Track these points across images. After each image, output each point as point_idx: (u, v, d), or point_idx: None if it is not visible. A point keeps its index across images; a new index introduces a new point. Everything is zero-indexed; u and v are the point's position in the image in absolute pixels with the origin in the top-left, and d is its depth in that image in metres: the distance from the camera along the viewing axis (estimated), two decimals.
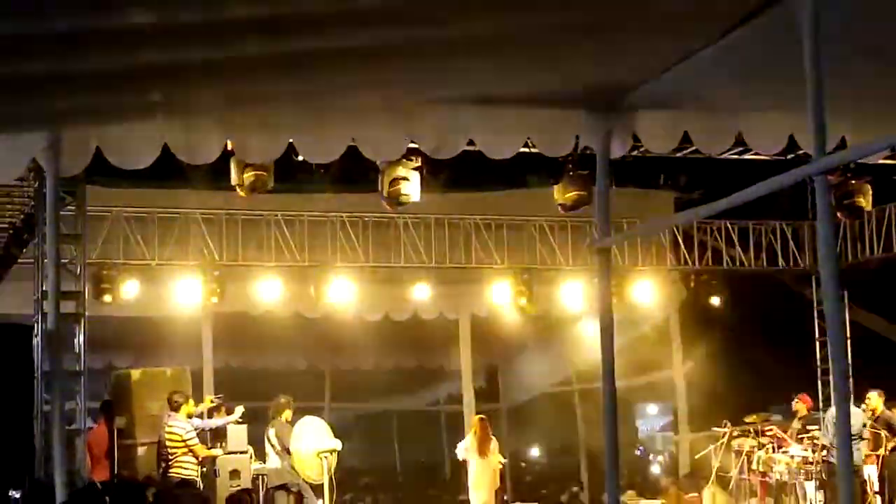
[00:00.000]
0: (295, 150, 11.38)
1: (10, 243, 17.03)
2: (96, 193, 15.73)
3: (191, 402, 16.59)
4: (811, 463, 17.22)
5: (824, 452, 16.77)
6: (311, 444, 16.91)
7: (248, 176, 13.98)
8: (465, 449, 18.35)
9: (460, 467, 21.69)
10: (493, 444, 18.36)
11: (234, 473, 16.48)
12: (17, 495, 10.39)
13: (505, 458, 19.10)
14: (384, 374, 27.50)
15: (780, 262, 21.15)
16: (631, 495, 19.93)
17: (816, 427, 17.51)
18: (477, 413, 20.13)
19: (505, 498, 20.90)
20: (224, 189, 15.38)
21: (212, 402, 17.14)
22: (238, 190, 14.41)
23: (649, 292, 20.92)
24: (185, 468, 15.98)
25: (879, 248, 20.23)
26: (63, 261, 12.84)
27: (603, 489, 13.97)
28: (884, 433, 16.77)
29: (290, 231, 19.15)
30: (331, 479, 16.84)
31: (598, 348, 9.98)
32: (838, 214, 17.25)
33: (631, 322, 21.96)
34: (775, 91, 9.48)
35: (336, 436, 17.32)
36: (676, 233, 20.64)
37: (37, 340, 13.78)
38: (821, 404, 19.80)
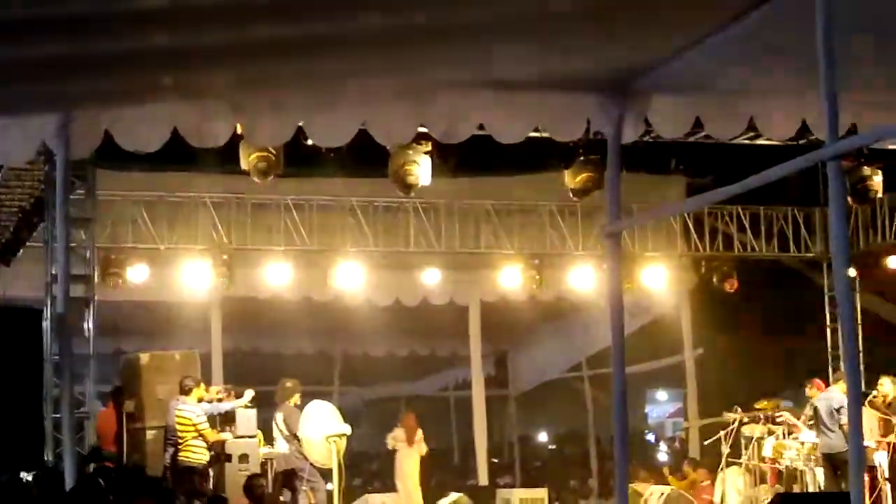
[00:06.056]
0: (304, 134, 11.35)
1: (19, 226, 17.05)
2: (106, 177, 15.73)
3: (202, 385, 16.59)
4: None
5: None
6: (320, 429, 16.91)
7: (253, 159, 13.99)
8: (394, 438, 19.45)
9: (469, 453, 21.82)
10: (419, 435, 19.37)
11: (243, 458, 16.48)
12: (29, 478, 10.42)
13: (431, 447, 20.16)
14: (394, 360, 27.51)
15: (792, 248, 21.09)
16: (644, 477, 19.91)
17: None
18: (408, 407, 20.66)
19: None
20: (233, 173, 15.39)
21: (218, 394, 17.13)
22: (252, 176, 14.42)
23: (660, 278, 20.88)
24: (194, 452, 15.98)
25: (892, 234, 20.16)
26: (72, 244, 12.86)
27: (612, 475, 13.96)
28: (895, 420, 16.70)
29: (299, 215, 19.12)
30: (340, 463, 16.84)
31: (608, 334, 9.96)
32: (849, 200, 17.17)
33: (641, 308, 21.92)
34: (787, 76, 9.44)
35: (345, 421, 17.32)
36: (687, 218, 20.57)
37: (46, 324, 13.79)
38: None
